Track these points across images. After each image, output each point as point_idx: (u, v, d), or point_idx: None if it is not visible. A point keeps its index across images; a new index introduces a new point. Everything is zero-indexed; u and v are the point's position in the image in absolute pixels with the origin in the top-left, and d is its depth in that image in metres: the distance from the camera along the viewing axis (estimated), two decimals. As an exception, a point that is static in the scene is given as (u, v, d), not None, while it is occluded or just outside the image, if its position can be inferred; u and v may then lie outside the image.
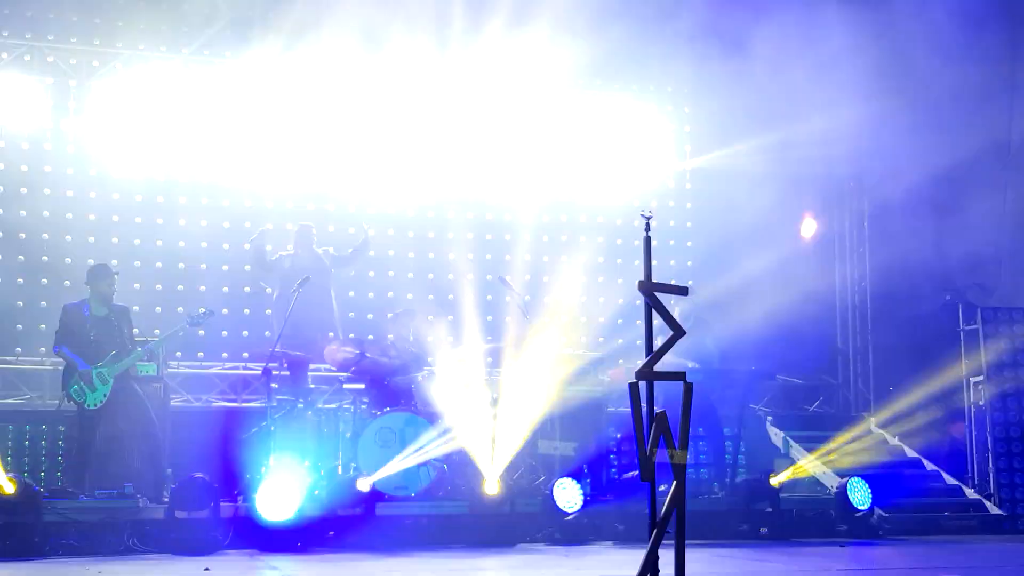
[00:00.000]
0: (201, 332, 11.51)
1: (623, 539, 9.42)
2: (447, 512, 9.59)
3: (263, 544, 8.62)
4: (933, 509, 11.11)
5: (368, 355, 10.06)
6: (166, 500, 9.00)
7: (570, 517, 9.44)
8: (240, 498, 9.26)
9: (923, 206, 12.19)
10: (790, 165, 12.18)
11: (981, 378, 11.51)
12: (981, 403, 11.55)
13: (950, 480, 11.62)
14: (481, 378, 10.12)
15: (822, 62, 11.20)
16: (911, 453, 11.97)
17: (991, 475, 11.29)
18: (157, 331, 10.23)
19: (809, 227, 13.22)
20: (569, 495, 9.58)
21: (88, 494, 9.10)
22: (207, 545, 8.50)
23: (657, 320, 5.69)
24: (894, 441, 12.10)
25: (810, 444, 11.60)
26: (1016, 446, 11.31)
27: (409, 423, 9.74)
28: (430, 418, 9.74)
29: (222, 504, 8.88)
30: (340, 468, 9.73)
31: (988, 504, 11.20)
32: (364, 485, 9.39)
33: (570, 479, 9.65)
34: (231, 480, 9.57)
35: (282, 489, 8.81)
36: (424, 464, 9.62)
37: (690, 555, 5.42)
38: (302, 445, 9.68)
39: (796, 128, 11.70)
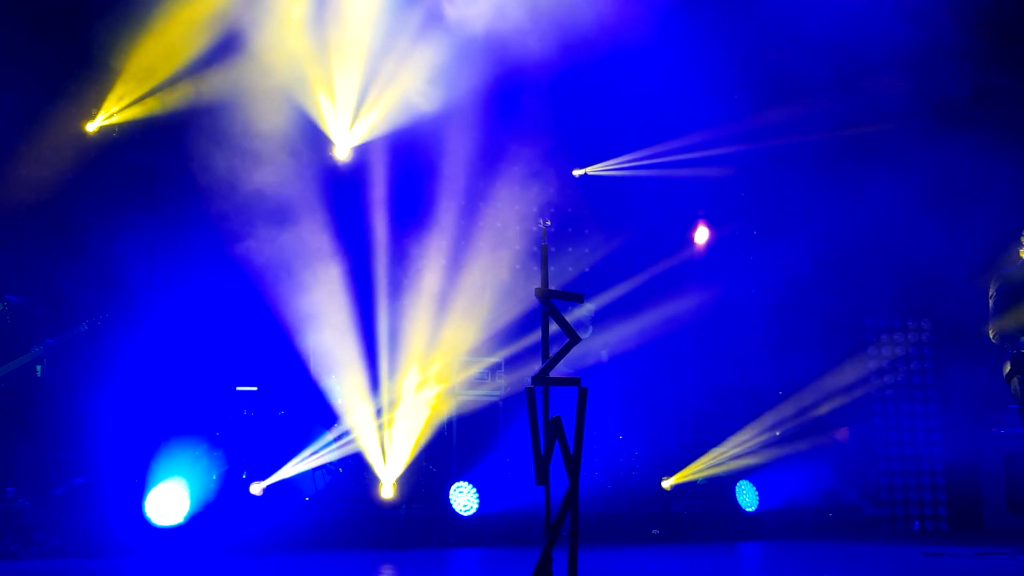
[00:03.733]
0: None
1: (518, 541, 9.49)
2: (342, 515, 9.55)
3: (154, 548, 8.48)
4: (818, 510, 11.42)
5: None
6: (52, 504, 8.80)
7: (465, 519, 9.49)
8: (131, 502, 9.08)
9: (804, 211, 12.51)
10: (684, 174, 12.40)
11: (865, 383, 11.86)
12: (865, 407, 11.90)
13: (834, 482, 11.94)
14: (377, 382, 10.10)
15: (710, 74, 11.43)
16: (799, 456, 12.26)
17: (872, 478, 11.65)
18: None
19: (702, 234, 13.46)
20: (465, 499, 9.63)
21: (-32, 498, 8.86)
22: (94, 550, 8.33)
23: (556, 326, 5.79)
24: (783, 444, 12.38)
25: (702, 447, 11.82)
26: (894, 450, 11.69)
27: (304, 427, 9.68)
28: (326, 422, 9.69)
29: (112, 508, 8.71)
30: (233, 472, 9.61)
31: (869, 505, 11.56)
32: (257, 489, 9.31)
33: (466, 483, 9.70)
34: (121, 484, 9.38)
35: (173, 493, 8.69)
36: (319, 468, 9.57)
37: (583, 557, 5.51)
38: (195, 448, 9.55)
39: (687, 138, 11.94)
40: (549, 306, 5.84)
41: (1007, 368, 8.25)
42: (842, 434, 12.34)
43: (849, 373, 11.96)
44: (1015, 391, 8.19)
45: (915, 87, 11.70)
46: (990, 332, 8.28)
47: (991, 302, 8.33)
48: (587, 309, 10.71)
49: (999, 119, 11.49)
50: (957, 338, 11.48)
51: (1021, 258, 8.44)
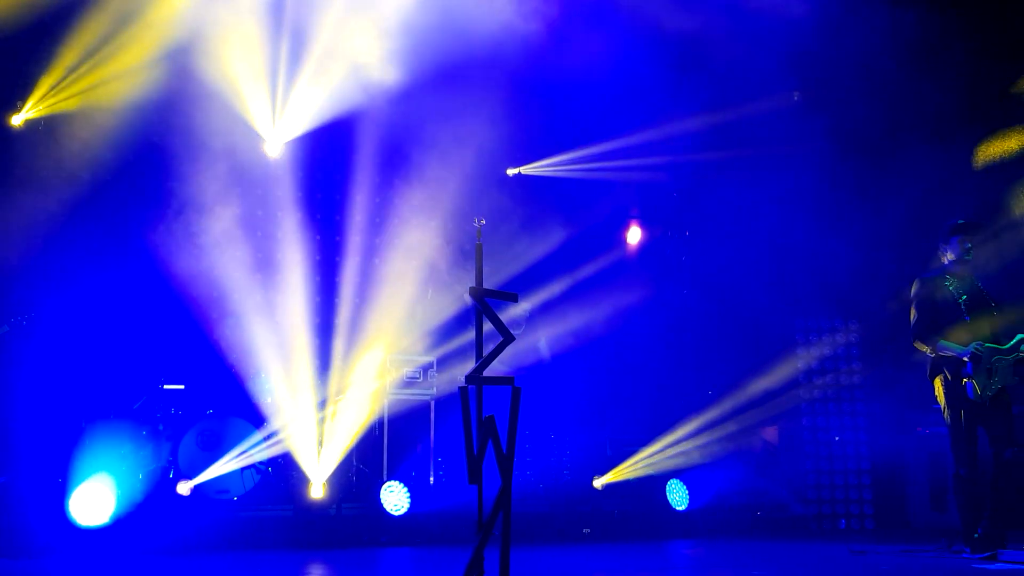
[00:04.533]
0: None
1: (450, 541, 9.46)
2: (271, 516, 9.45)
3: (78, 549, 8.31)
4: (747, 509, 11.54)
5: None
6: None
7: (397, 519, 9.44)
8: (54, 502, 8.89)
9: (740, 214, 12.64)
10: (616, 174, 12.46)
11: (794, 383, 12.01)
12: (793, 407, 12.04)
13: (763, 482, 12.07)
14: (308, 381, 10.01)
15: (639, 79, 11.49)
16: (729, 455, 12.37)
17: (800, 476, 11.79)
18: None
19: (635, 235, 13.54)
20: (396, 498, 9.58)
21: None
22: (15, 551, 8.15)
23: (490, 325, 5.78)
24: (713, 444, 12.48)
25: (633, 447, 11.88)
26: (823, 449, 11.85)
27: (233, 426, 9.56)
28: (255, 421, 9.58)
29: (34, 508, 8.52)
30: (160, 471, 9.47)
31: (797, 504, 11.71)
32: (185, 489, 9.18)
33: (397, 482, 9.65)
34: (44, 483, 9.19)
35: (98, 493, 8.53)
36: (248, 467, 9.47)
37: (515, 556, 5.50)
38: (120, 447, 9.39)
39: (621, 139, 11.99)
40: (483, 305, 5.83)
41: (929, 370, 8.42)
42: (771, 433, 12.48)
43: (779, 373, 12.09)
44: (937, 391, 8.35)
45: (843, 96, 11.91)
46: (911, 334, 8.44)
47: (912, 306, 8.49)
48: (522, 308, 10.71)
49: (923, 130, 11.71)
50: (884, 339, 11.66)
51: (942, 262, 8.60)
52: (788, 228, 12.14)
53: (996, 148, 11.90)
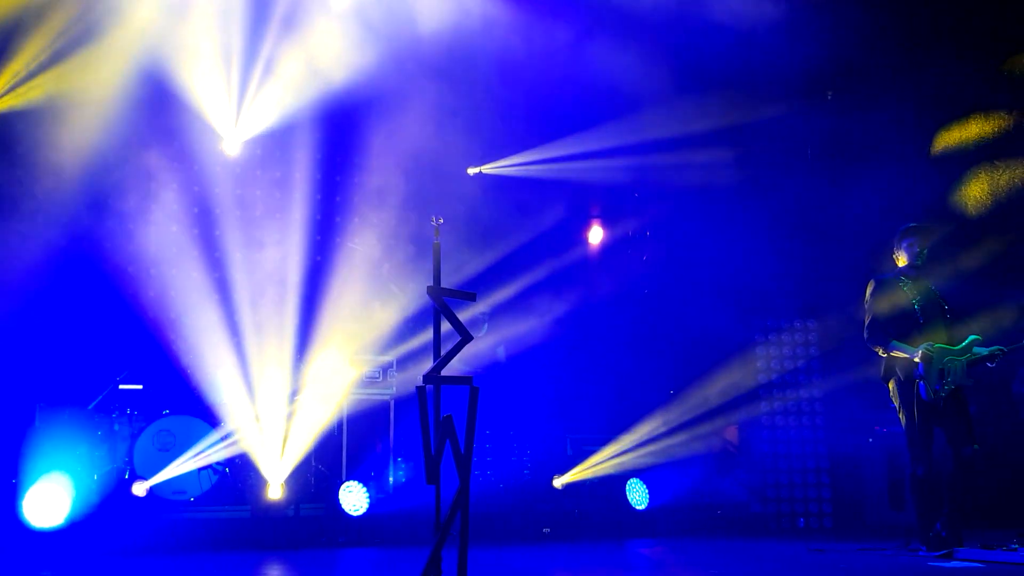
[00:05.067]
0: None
1: (409, 541, 9.43)
2: (228, 517, 9.37)
3: (31, 551, 8.20)
4: (707, 508, 11.58)
5: None
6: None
7: (355, 520, 9.39)
8: (6, 503, 8.77)
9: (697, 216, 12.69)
10: (577, 174, 12.46)
11: (753, 382, 12.06)
12: (753, 407, 12.11)
13: (723, 481, 12.12)
14: (266, 381, 9.93)
15: (594, 80, 11.51)
16: (689, 454, 12.41)
17: (759, 475, 11.85)
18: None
19: (596, 234, 13.55)
20: (355, 498, 9.52)
21: None
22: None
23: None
24: (673, 443, 12.51)
25: (594, 446, 11.89)
26: (781, 448, 11.92)
27: (189, 426, 9.48)
28: (212, 421, 9.50)
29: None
30: (115, 472, 9.36)
31: (756, 503, 11.77)
32: (140, 490, 9.08)
33: (356, 482, 9.59)
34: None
35: (52, 494, 8.42)
36: (204, 468, 9.38)
37: (473, 556, 5.48)
38: (74, 447, 9.27)
39: (583, 139, 12.00)
40: (441, 304, 5.81)
41: (883, 370, 8.48)
42: (731, 433, 12.53)
43: (738, 373, 12.15)
44: (892, 392, 8.42)
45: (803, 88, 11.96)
46: (865, 335, 8.50)
47: (866, 307, 8.55)
48: (481, 309, 10.70)
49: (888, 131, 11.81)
50: (842, 339, 11.73)
51: (896, 263, 8.66)
52: (749, 229, 12.20)
53: (955, 136, 12.01)
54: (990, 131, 11.82)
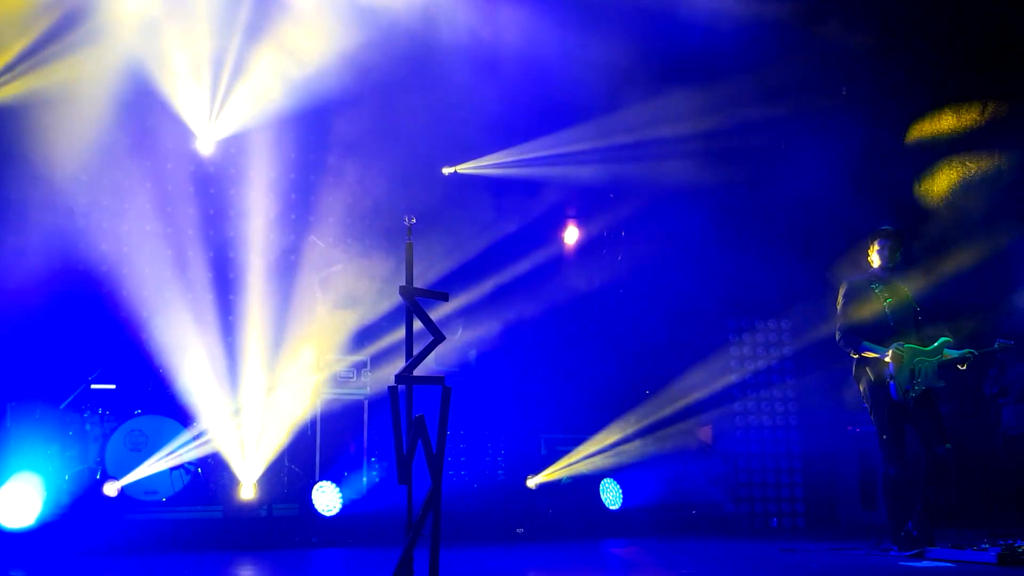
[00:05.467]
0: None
1: (382, 541, 9.41)
2: (200, 517, 9.33)
3: (1, 552, 8.14)
4: (681, 508, 11.61)
5: None
6: None
7: (329, 520, 9.37)
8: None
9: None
10: (554, 174, 12.47)
11: (727, 382, 12.11)
12: (727, 407, 12.15)
13: (697, 481, 12.15)
14: (238, 381, 9.89)
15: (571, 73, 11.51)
16: (663, 454, 12.43)
17: (733, 475, 11.90)
18: None
19: (572, 234, 13.56)
20: (328, 498, 9.50)
21: None
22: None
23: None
24: (647, 443, 12.54)
25: (568, 446, 11.90)
26: (755, 448, 11.96)
27: (161, 426, 9.43)
28: (184, 421, 9.45)
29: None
30: (87, 472, 9.30)
31: (730, 503, 11.81)
32: (112, 490, 9.02)
33: (329, 482, 9.57)
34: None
35: (23, 494, 8.36)
36: (176, 468, 9.33)
37: (446, 556, 5.48)
38: (46, 447, 9.21)
39: (558, 139, 12.01)
40: (413, 304, 5.80)
41: (854, 370, 8.53)
42: (705, 433, 12.57)
43: (711, 372, 12.19)
44: (863, 392, 8.46)
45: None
46: (836, 336, 8.54)
47: (838, 307, 8.59)
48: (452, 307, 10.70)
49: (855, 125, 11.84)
50: (814, 339, 11.78)
51: (870, 264, 8.69)
52: (721, 228, 12.24)
53: (927, 128, 12.09)
54: (959, 126, 11.90)
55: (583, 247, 13.62)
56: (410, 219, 5.87)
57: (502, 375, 11.68)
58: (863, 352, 8.33)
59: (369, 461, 10.40)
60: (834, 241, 11.72)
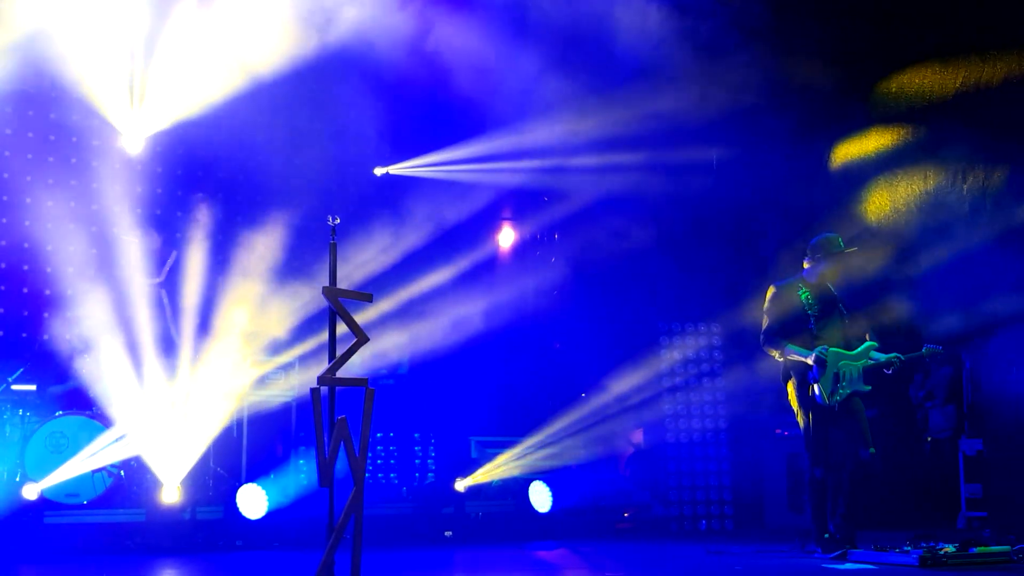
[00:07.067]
0: None
1: (308, 544, 9.31)
2: (122, 520, 9.17)
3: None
4: (611, 511, 11.64)
5: None
6: None
7: (254, 523, 9.25)
8: None
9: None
10: (488, 176, 12.45)
11: (658, 385, 12.16)
12: (658, 410, 12.20)
13: (627, 484, 12.19)
14: (161, 381, 9.72)
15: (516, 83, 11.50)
16: (594, 457, 12.46)
17: (662, 478, 11.95)
18: None
19: (507, 236, 13.57)
20: (253, 501, 9.37)
21: None
22: None
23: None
24: (579, 445, 12.56)
25: (498, 448, 11.88)
26: (684, 451, 12.02)
27: (83, 427, 9.25)
28: (106, 422, 9.28)
29: None
30: (6, 475, 9.10)
31: (659, 505, 11.86)
32: (31, 492, 8.84)
33: (255, 485, 9.45)
34: None
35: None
36: (98, 470, 9.16)
37: (370, 559, 5.43)
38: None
39: (493, 140, 11.99)
40: (337, 305, 5.75)
41: (781, 374, 8.61)
42: (636, 436, 12.62)
43: (643, 376, 12.23)
44: (790, 395, 8.54)
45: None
46: (760, 339, 8.61)
47: (764, 311, 8.66)
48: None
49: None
50: (743, 343, 11.88)
51: (803, 266, 8.73)
52: (654, 231, 12.31)
53: (853, 149, 12.25)
54: (887, 144, 12.07)
55: (518, 249, 13.64)
56: (334, 219, 5.81)
57: (433, 377, 11.62)
58: (788, 355, 8.40)
59: (297, 464, 10.29)
60: (766, 244, 11.84)
